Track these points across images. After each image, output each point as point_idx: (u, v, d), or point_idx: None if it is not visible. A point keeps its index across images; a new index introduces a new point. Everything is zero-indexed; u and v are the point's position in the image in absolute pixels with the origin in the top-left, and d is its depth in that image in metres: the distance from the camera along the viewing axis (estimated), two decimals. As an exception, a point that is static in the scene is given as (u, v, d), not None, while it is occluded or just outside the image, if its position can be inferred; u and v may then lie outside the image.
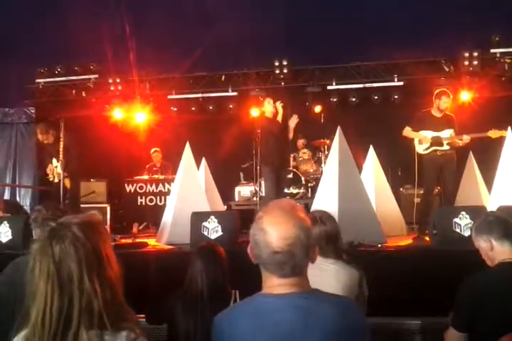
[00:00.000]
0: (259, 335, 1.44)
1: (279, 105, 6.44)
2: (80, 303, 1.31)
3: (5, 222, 5.29)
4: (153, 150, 8.96)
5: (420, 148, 5.98)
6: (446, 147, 5.88)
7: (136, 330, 1.37)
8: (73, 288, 1.32)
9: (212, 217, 5.17)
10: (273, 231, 1.44)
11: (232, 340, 1.48)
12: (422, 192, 6.38)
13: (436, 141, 5.89)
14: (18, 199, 10.57)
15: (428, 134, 5.92)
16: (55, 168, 6.35)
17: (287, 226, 1.45)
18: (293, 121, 6.51)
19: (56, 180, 6.36)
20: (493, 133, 5.78)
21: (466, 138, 5.80)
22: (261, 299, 1.51)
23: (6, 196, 10.49)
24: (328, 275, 2.64)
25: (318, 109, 9.42)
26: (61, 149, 6.35)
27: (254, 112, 9.26)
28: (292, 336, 1.41)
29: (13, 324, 2.31)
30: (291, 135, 6.60)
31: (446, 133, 5.91)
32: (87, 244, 1.35)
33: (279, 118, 6.43)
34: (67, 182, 6.47)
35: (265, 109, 6.60)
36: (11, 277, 2.51)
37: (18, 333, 1.40)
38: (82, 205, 7.31)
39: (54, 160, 6.42)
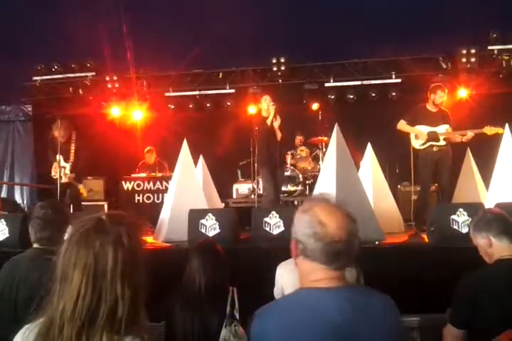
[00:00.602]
0: (306, 330, 1.41)
1: (271, 107, 6.42)
2: (108, 303, 1.29)
3: (2, 220, 5.26)
4: (146, 149, 8.72)
5: (417, 143, 5.98)
6: (442, 142, 5.89)
7: (144, 336, 1.34)
8: (104, 285, 1.30)
9: (210, 214, 5.15)
10: (330, 222, 1.46)
11: (274, 337, 1.44)
12: (419, 189, 6.39)
13: (433, 137, 5.89)
14: (16, 197, 10.57)
15: (424, 129, 5.93)
16: (64, 169, 6.29)
17: (341, 216, 1.48)
18: (276, 123, 6.52)
19: (64, 180, 6.32)
20: (488, 130, 5.77)
21: (469, 134, 5.79)
22: (307, 293, 1.49)
23: (3, 194, 10.48)
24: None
25: (315, 106, 9.41)
26: (72, 149, 6.35)
27: (252, 109, 9.25)
28: (342, 330, 1.40)
29: (13, 320, 2.32)
30: (279, 135, 6.59)
31: (442, 129, 5.91)
32: (127, 248, 1.33)
33: (269, 121, 6.42)
34: (83, 189, 6.49)
35: (261, 106, 6.59)
36: (11, 274, 2.51)
37: (32, 322, 1.38)
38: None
39: (61, 159, 6.34)
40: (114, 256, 1.31)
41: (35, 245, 2.62)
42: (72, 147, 6.41)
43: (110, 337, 1.29)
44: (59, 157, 6.28)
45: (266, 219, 4.98)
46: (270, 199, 6.42)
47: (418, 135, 5.95)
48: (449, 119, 6.00)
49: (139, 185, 8.07)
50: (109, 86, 9.80)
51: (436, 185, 6.46)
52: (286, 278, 2.74)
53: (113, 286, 1.30)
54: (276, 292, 2.84)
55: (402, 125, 6.04)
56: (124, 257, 1.32)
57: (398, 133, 6.18)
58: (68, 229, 2.43)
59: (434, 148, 5.90)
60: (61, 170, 6.27)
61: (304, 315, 1.43)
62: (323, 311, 1.42)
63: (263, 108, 6.55)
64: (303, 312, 1.44)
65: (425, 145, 5.91)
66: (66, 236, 1.39)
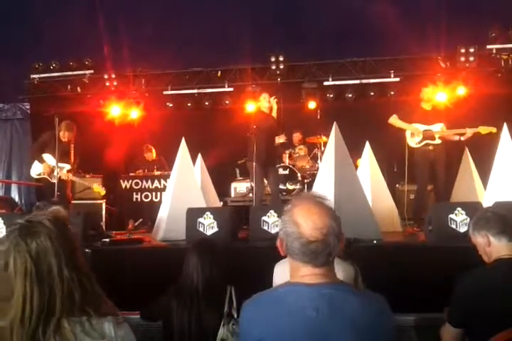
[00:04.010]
0: (283, 323, 1.47)
1: (273, 101, 6.45)
2: (62, 292, 1.34)
3: (-1, 219, 5.27)
4: (144, 147, 8.63)
5: (412, 142, 5.98)
6: (438, 141, 5.89)
7: (119, 316, 1.42)
8: (53, 278, 1.34)
9: (208, 213, 5.15)
10: (306, 223, 1.50)
11: (257, 326, 1.52)
12: (416, 188, 6.38)
13: (429, 135, 5.89)
14: (13, 195, 10.53)
15: (419, 127, 5.93)
16: (60, 169, 6.22)
17: (319, 216, 1.52)
18: (280, 139, 6.56)
19: (66, 178, 6.29)
20: (482, 129, 5.78)
21: (469, 133, 5.78)
22: (290, 288, 1.55)
23: (1, 192, 10.45)
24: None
25: (312, 105, 9.39)
26: (72, 150, 6.32)
27: (250, 107, 9.23)
28: (315, 325, 1.45)
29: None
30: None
31: (437, 127, 5.92)
32: (61, 237, 1.40)
33: (274, 113, 6.44)
34: (98, 188, 6.49)
35: (261, 104, 6.59)
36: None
37: None
38: (77, 201, 7.27)
39: (51, 158, 6.28)
40: (54, 249, 1.36)
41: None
42: (72, 147, 6.40)
43: (83, 320, 1.33)
44: (56, 156, 6.18)
45: (264, 217, 4.98)
46: (259, 198, 6.41)
47: (413, 132, 5.95)
48: (444, 118, 6.00)
49: (137, 184, 8.05)
50: (108, 84, 9.78)
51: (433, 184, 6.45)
52: (284, 277, 2.73)
53: (62, 276, 1.34)
54: (274, 291, 2.83)
55: (394, 119, 6.02)
56: (63, 247, 1.38)
57: (396, 132, 6.17)
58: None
59: (430, 147, 5.90)
60: (56, 169, 6.17)
61: (282, 309, 1.50)
62: (300, 306, 1.47)
63: (262, 106, 6.55)
64: (282, 305, 1.50)
65: (421, 144, 5.91)
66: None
